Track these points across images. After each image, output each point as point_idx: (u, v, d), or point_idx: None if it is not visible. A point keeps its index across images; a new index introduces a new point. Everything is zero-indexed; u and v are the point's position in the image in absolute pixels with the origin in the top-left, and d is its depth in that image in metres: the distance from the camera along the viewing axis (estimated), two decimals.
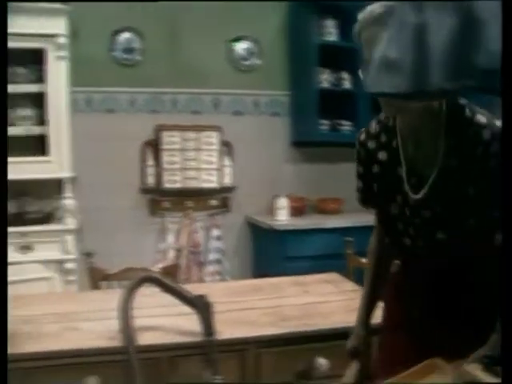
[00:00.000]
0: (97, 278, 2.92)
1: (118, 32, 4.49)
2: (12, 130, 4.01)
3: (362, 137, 1.87)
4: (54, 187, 4.18)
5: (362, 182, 1.90)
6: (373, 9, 1.52)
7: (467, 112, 1.64)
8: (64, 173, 4.09)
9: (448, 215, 1.69)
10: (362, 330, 1.96)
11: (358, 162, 1.89)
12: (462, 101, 1.67)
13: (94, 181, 4.36)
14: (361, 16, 1.57)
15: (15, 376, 2.01)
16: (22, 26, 3.90)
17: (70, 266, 4.02)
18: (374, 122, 1.85)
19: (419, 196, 1.70)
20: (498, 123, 1.59)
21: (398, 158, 1.75)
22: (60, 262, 4.00)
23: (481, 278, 1.69)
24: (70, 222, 4.10)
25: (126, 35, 4.51)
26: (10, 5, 3.70)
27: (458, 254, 1.71)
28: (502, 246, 1.33)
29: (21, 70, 4.17)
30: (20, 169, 3.69)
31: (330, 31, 4.60)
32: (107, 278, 2.92)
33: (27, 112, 4.18)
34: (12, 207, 3.98)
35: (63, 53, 4.03)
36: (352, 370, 1.93)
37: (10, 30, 3.71)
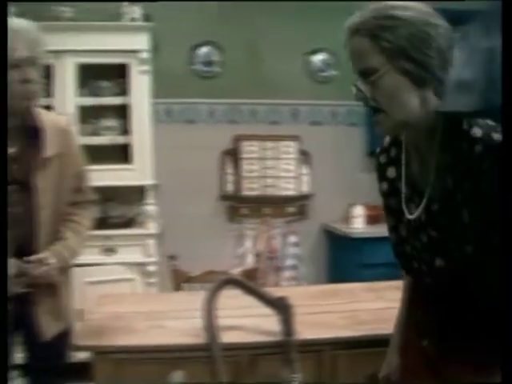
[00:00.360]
0: (179, 280, 3.06)
1: (197, 46, 4.66)
2: (97, 140, 4.25)
3: (378, 150, 1.75)
4: (136, 194, 4.35)
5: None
6: (352, 20, 1.46)
7: (464, 125, 1.47)
8: (146, 180, 4.26)
9: (444, 240, 1.53)
10: (395, 358, 1.84)
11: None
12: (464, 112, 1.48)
13: (174, 188, 4.52)
14: (345, 26, 1.48)
15: (107, 365, 2.17)
16: (107, 43, 4.15)
17: (151, 268, 4.15)
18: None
19: (413, 217, 1.58)
20: (497, 136, 1.41)
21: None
22: (142, 265, 4.15)
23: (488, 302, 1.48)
24: (152, 227, 4.26)
25: (205, 49, 4.67)
26: (96, 24, 3.96)
27: (460, 283, 1.55)
28: (502, 246, 1.28)
29: (105, 84, 4.39)
30: (105, 176, 3.86)
31: None
32: (189, 280, 3.05)
33: (112, 123, 4.39)
34: (97, 212, 4.17)
35: (145, 67, 4.21)
36: None
37: (95, 47, 3.99)
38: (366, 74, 1.44)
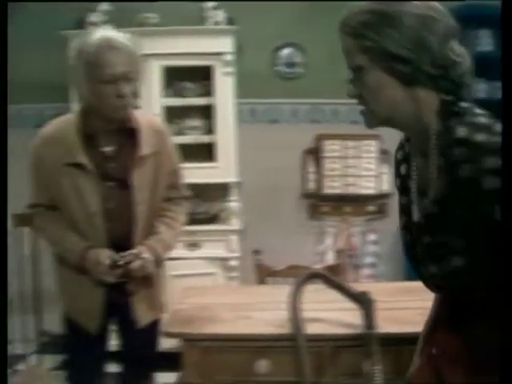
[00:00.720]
0: (263, 274, 3.16)
1: (279, 48, 4.74)
2: (182, 139, 4.38)
3: (397, 146, 1.67)
4: (220, 191, 4.48)
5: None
6: (341, 16, 1.48)
7: (452, 122, 1.38)
8: (230, 178, 4.38)
9: (439, 247, 1.43)
10: (417, 359, 1.75)
11: None
12: (463, 108, 1.40)
13: (258, 186, 4.63)
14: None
15: (195, 352, 2.29)
16: (192, 45, 4.27)
17: (233, 263, 4.28)
18: None
19: (417, 219, 1.51)
20: (482, 137, 1.31)
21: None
22: (224, 260, 4.27)
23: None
24: (235, 223, 4.39)
25: (287, 50, 4.74)
26: (181, 28, 4.12)
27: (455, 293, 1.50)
28: (503, 246, 1.22)
29: (190, 85, 4.52)
30: (190, 174, 3.97)
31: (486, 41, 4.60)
32: (273, 274, 3.15)
33: (196, 123, 4.52)
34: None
35: (229, 69, 4.32)
36: None
37: (180, 50, 4.14)
38: (353, 70, 1.45)
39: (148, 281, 2.50)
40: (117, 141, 2.43)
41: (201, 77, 4.49)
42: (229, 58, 4.29)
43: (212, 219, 4.48)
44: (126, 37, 2.36)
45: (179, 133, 4.53)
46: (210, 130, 4.50)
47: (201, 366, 2.28)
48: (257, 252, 3.24)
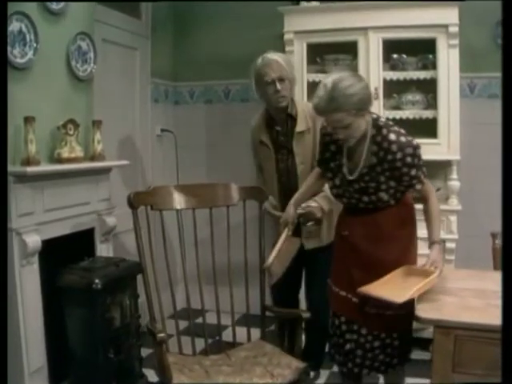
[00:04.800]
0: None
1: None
2: (400, 114, 4.33)
3: (324, 132, 3.04)
4: (440, 169, 4.36)
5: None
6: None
7: (384, 131, 2.77)
8: (451, 155, 4.24)
9: (371, 188, 2.80)
10: (293, 211, 3.20)
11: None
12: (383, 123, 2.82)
13: (474, 164, 4.48)
14: None
15: (449, 341, 2.24)
16: (416, 18, 4.17)
17: (451, 245, 4.16)
18: None
19: (353, 177, 2.83)
20: (403, 139, 2.73)
21: (342, 151, 2.90)
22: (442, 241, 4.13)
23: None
24: (455, 203, 4.25)
25: None
26: (402, 3, 4.01)
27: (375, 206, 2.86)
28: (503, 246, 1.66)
29: (409, 59, 4.45)
30: None
31: None
32: None
33: (416, 97, 4.42)
34: None
35: (455, 41, 4.16)
36: (284, 234, 3.15)
37: (403, 22, 4.06)
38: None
39: (317, 222, 3.56)
40: (283, 123, 3.60)
41: (421, 50, 4.38)
42: (455, 29, 4.14)
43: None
44: (279, 55, 3.52)
45: (397, 107, 4.46)
46: (429, 105, 4.39)
47: (453, 356, 2.23)
48: (495, 235, 3.09)
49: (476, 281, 2.80)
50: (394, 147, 2.70)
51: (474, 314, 2.30)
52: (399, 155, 2.70)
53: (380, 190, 2.78)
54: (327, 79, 2.65)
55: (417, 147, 2.73)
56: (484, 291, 2.57)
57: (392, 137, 2.72)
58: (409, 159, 2.70)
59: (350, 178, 2.82)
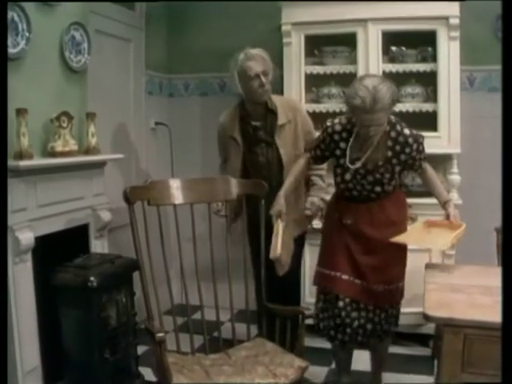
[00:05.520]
0: None
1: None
2: (398, 107, 4.22)
3: (336, 127, 3.23)
4: (440, 163, 4.28)
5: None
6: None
7: (397, 127, 3.09)
8: (452, 149, 4.19)
9: (384, 179, 3.12)
10: (283, 201, 3.24)
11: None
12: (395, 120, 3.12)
13: (474, 158, 4.42)
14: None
15: (457, 340, 2.18)
16: (416, 9, 4.11)
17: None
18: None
19: (356, 166, 3.10)
20: (414, 132, 3.10)
21: (352, 147, 3.13)
22: None
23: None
24: (455, 197, 4.16)
25: None
26: None
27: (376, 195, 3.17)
28: (503, 240, 1.74)
29: (409, 51, 4.39)
30: None
31: None
32: None
33: (415, 90, 4.36)
34: None
35: (456, 33, 4.10)
36: (281, 224, 3.19)
37: (402, 14, 4.00)
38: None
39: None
40: (262, 118, 3.64)
41: (421, 42, 4.32)
42: (456, 21, 4.07)
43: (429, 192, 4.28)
44: (258, 50, 3.54)
45: (397, 100, 4.35)
46: (429, 98, 4.33)
47: (462, 355, 2.17)
48: (498, 230, 3.03)
49: (481, 277, 2.76)
50: (411, 140, 3.06)
51: (483, 312, 2.24)
52: (415, 146, 3.07)
53: (393, 179, 3.13)
54: (366, 81, 2.91)
55: (422, 136, 3.16)
56: (490, 288, 2.51)
57: (407, 132, 3.07)
58: (421, 147, 3.11)
59: (353, 166, 3.10)
